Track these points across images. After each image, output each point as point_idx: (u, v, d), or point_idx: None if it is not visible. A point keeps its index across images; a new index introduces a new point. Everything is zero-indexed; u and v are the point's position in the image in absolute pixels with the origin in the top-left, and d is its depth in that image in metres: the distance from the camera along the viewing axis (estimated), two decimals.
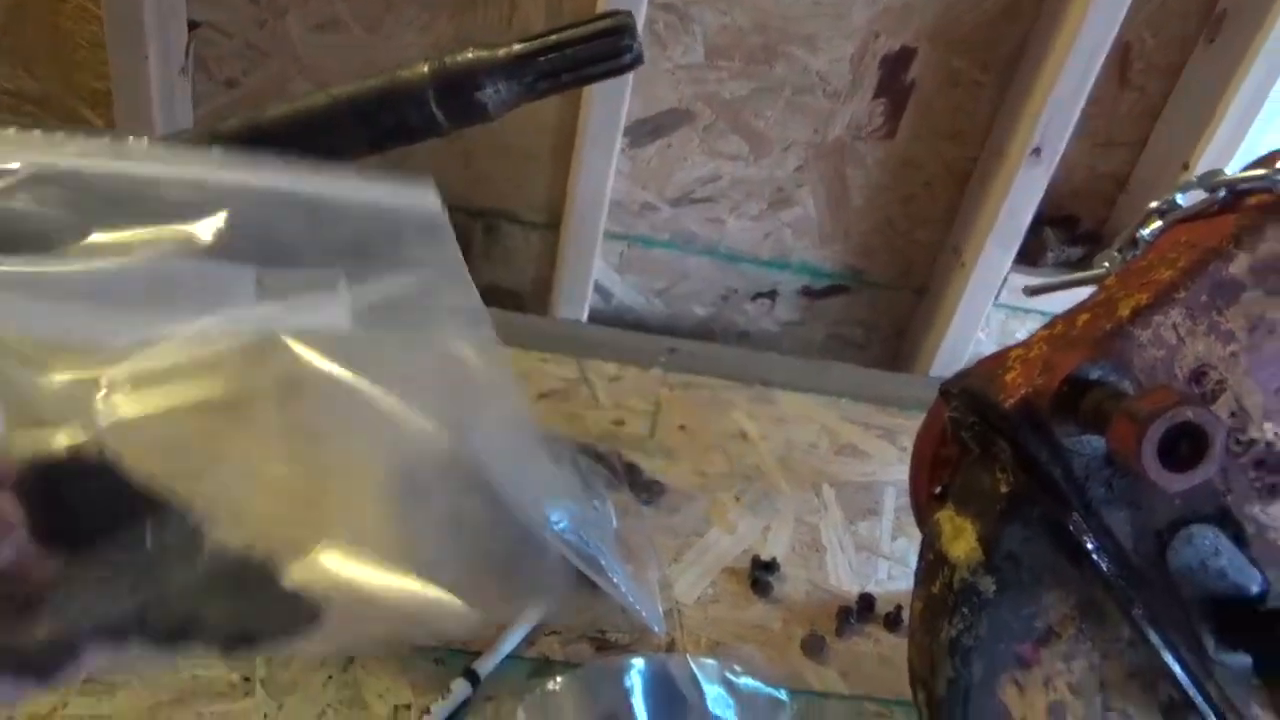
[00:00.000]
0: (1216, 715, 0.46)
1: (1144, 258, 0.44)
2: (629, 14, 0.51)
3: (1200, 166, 1.00)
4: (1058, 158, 0.99)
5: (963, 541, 0.48)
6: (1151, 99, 1.06)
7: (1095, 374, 0.41)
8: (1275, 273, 0.41)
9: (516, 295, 1.16)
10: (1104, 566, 0.43)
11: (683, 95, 1.04)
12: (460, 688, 0.61)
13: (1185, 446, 0.37)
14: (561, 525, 0.68)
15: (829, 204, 1.12)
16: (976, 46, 1.02)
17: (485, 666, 0.63)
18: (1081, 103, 0.96)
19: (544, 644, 0.68)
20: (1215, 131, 0.97)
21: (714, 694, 0.63)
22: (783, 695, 0.66)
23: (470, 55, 0.54)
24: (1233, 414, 0.43)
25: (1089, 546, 0.43)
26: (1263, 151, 0.45)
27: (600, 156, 0.99)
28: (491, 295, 1.15)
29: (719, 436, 0.93)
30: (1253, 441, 0.43)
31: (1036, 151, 0.98)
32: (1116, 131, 1.08)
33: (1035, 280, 0.60)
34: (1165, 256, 0.43)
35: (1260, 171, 0.42)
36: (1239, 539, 0.44)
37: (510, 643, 0.66)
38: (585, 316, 1.12)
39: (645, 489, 0.83)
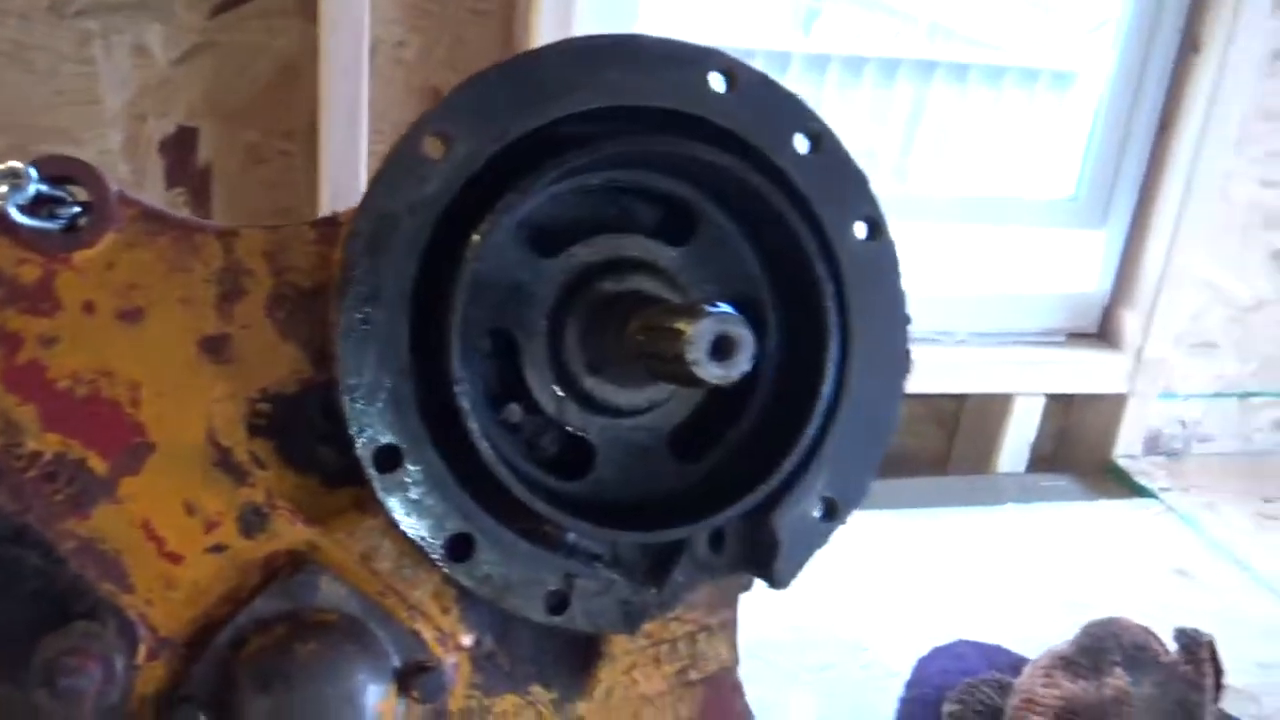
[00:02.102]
0: None
1: None
2: None
3: None
4: None
5: None
6: None
7: None
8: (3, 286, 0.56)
9: None
10: None
11: None
12: None
13: None
14: None
15: None
16: (266, 116, 1.21)
17: None
18: (361, 167, 1.15)
19: None
20: None
21: None
22: None
23: None
24: (4, 430, 0.56)
25: None
26: None
27: None
28: None
29: None
30: (37, 454, 0.57)
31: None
32: None
33: None
34: None
35: None
36: (54, 557, 0.57)
37: None
38: None
39: None
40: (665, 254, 0.63)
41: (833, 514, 0.65)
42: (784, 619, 1.10)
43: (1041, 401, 1.46)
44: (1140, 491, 1.43)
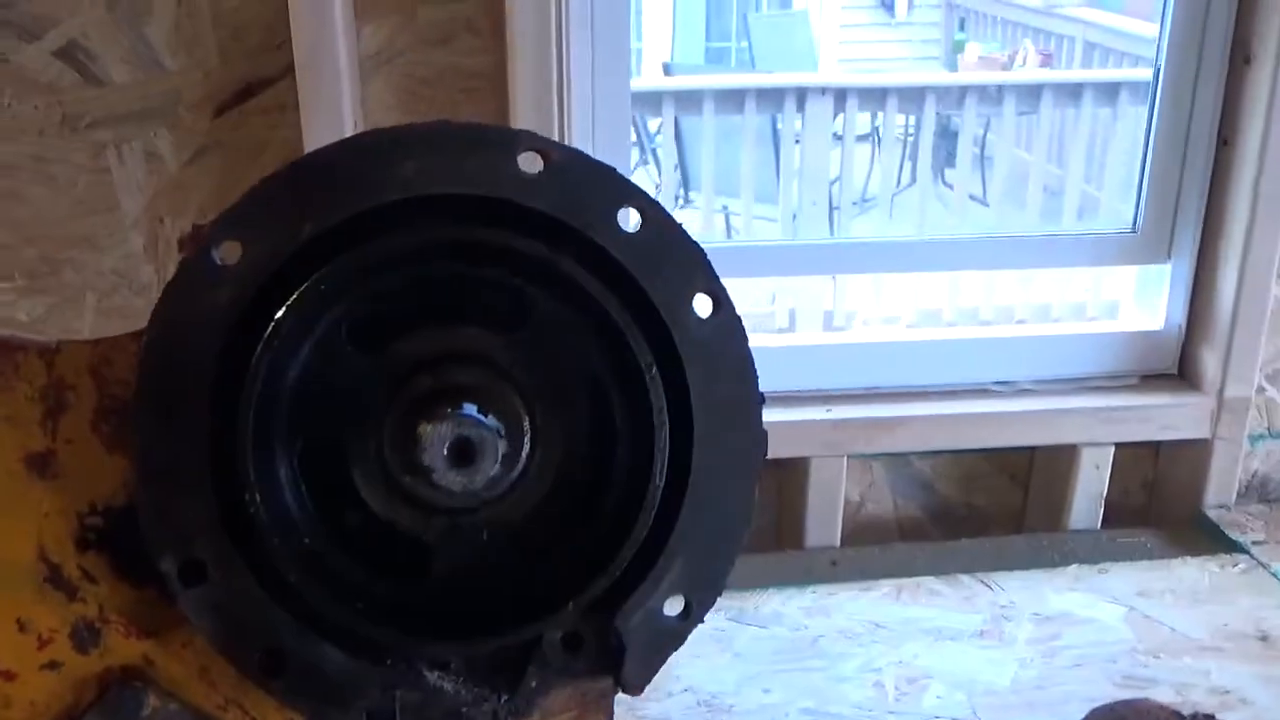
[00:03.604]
0: None
1: None
2: None
3: None
4: None
5: None
6: None
7: None
8: None
9: None
10: None
11: None
12: None
13: None
14: None
15: None
16: None
17: None
18: None
19: None
20: None
21: None
22: None
23: None
24: None
25: None
26: None
27: None
28: None
29: None
30: None
31: None
32: None
33: None
34: None
35: None
36: None
37: None
38: None
39: None
40: (494, 343, 0.61)
41: (686, 612, 0.61)
42: (801, 700, 1.05)
43: (1110, 451, 1.35)
44: (1229, 545, 1.31)
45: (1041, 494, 1.41)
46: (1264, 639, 1.14)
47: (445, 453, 0.50)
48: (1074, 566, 1.26)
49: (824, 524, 1.34)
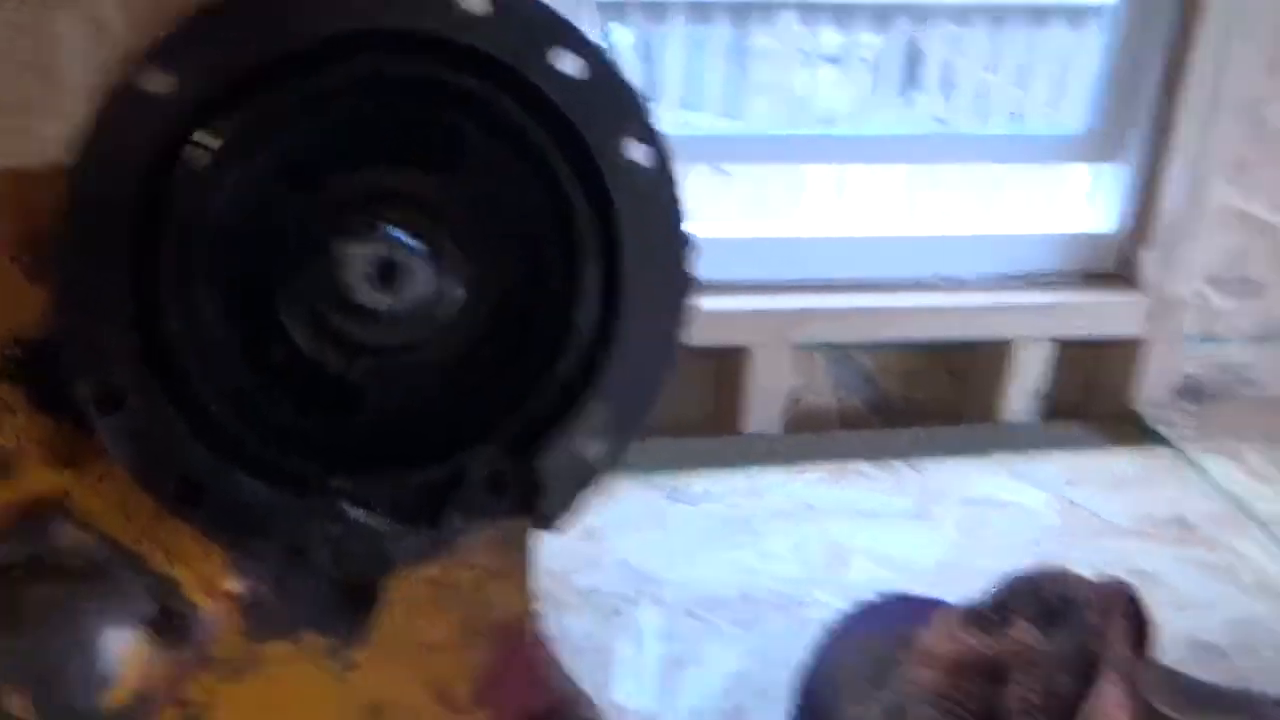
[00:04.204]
0: None
1: None
2: None
3: None
4: None
5: None
6: None
7: None
8: None
9: None
10: None
11: None
12: None
13: None
14: None
15: None
16: None
17: None
18: None
19: None
20: None
21: None
22: None
23: None
24: None
25: None
26: None
27: None
28: None
29: None
30: None
31: None
32: None
33: None
34: None
35: None
36: None
37: None
38: None
39: None
40: (428, 184, 0.61)
41: (608, 453, 0.62)
42: (730, 579, 1.07)
43: (1047, 347, 1.38)
44: (1157, 440, 1.34)
45: (979, 388, 1.43)
46: (1184, 525, 1.17)
47: (369, 270, 0.50)
48: (1004, 454, 1.29)
49: (764, 413, 1.36)
